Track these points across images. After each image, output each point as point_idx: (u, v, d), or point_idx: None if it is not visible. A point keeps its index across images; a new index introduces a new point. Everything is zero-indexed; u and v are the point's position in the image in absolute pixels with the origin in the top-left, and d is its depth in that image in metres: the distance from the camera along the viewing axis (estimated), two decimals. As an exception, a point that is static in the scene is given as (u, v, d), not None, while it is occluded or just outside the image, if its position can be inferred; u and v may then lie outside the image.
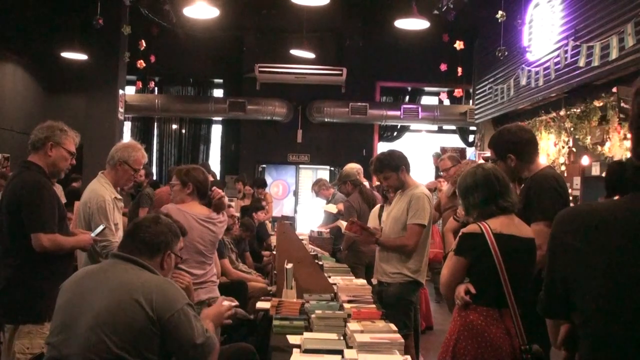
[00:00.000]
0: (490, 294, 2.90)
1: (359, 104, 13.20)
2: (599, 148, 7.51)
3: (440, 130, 14.57)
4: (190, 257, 3.91)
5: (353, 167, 7.22)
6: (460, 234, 3.03)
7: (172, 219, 2.87)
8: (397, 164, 4.59)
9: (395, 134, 14.39)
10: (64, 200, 9.04)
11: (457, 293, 2.96)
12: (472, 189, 3.07)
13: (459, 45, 11.07)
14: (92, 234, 3.76)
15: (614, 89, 6.74)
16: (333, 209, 7.47)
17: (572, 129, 8.17)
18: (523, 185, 3.53)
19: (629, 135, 6.75)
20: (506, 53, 8.74)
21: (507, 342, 2.85)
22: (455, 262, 3.00)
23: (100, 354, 2.35)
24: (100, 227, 3.77)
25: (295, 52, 11.28)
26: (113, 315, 2.38)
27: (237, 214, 7.83)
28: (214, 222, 4.11)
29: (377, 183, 7.15)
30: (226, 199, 4.34)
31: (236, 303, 5.22)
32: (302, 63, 12.30)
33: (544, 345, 2.96)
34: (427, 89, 14.27)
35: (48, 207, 3.54)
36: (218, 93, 14.58)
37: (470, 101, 13.10)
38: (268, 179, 13.97)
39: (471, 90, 12.96)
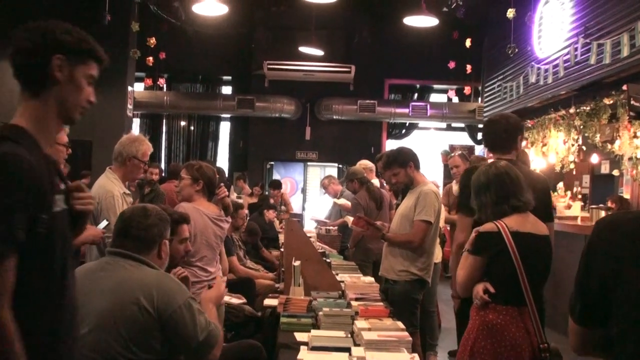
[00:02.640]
0: (509, 293, 2.88)
1: (368, 101, 13.18)
2: (609, 146, 7.47)
3: (449, 128, 14.53)
4: (207, 255, 4.02)
5: (365, 164, 7.22)
6: (474, 233, 2.99)
7: (169, 211, 2.86)
8: (404, 159, 4.59)
9: (403, 131, 14.36)
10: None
11: (476, 292, 2.93)
12: (485, 188, 3.04)
13: (468, 42, 11.03)
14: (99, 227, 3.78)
15: (624, 87, 6.70)
16: (343, 201, 7.51)
17: (581, 126, 8.13)
18: None
19: (639, 133, 6.68)
20: (516, 50, 8.71)
21: (527, 341, 2.85)
22: (472, 261, 2.98)
23: (104, 353, 2.34)
24: (104, 222, 3.79)
25: (303, 49, 11.27)
26: (115, 315, 2.37)
27: (246, 211, 7.83)
28: (223, 219, 4.19)
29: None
30: (229, 199, 4.36)
31: (244, 300, 5.25)
32: (311, 60, 12.29)
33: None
34: (435, 86, 14.24)
35: None
36: (227, 90, 14.60)
37: (479, 99, 13.05)
38: (276, 176, 13.98)
39: (480, 88, 12.92)
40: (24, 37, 1.75)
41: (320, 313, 3.54)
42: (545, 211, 3.43)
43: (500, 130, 3.62)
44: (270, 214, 8.73)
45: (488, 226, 2.94)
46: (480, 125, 13.48)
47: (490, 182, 3.03)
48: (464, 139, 14.19)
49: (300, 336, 3.33)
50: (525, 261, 2.86)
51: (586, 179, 10.22)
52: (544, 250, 3.00)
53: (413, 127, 14.34)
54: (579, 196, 9.16)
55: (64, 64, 1.76)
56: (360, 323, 3.36)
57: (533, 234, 2.94)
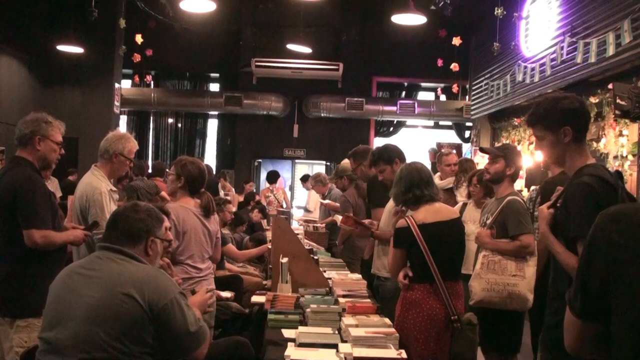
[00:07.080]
0: (423, 273, 3.46)
1: (356, 99, 13.20)
2: (595, 144, 7.52)
3: (437, 126, 14.59)
4: (196, 253, 4.02)
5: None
6: (394, 229, 3.62)
7: (157, 208, 2.85)
8: (390, 156, 4.62)
9: (391, 129, 14.39)
10: (59, 194, 9.11)
11: (399, 278, 3.54)
12: (398, 180, 3.70)
13: (456, 41, 11.06)
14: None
15: (610, 86, 6.76)
16: (328, 201, 7.50)
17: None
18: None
19: (624, 132, 6.72)
20: (500, 50, 8.75)
21: (442, 311, 3.42)
22: (394, 253, 3.59)
23: (95, 347, 2.35)
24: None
25: (292, 46, 11.27)
26: (106, 308, 2.38)
27: (234, 209, 7.84)
28: (208, 217, 4.17)
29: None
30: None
31: (232, 295, 5.26)
32: (299, 58, 12.29)
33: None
34: (423, 84, 14.29)
35: (42, 203, 3.53)
36: (214, 87, 14.57)
37: (467, 97, 13.10)
38: (263, 174, 13.97)
39: (467, 86, 12.97)
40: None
41: (308, 310, 3.54)
42: None
43: None
44: (256, 215, 8.71)
45: (401, 222, 3.56)
46: (468, 124, 13.54)
47: (402, 175, 3.69)
48: (451, 136, 14.24)
49: (287, 333, 3.34)
50: (433, 246, 3.43)
51: (572, 177, 10.29)
52: (453, 231, 3.60)
53: (401, 124, 14.38)
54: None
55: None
56: (347, 319, 3.37)
57: (440, 221, 3.52)
